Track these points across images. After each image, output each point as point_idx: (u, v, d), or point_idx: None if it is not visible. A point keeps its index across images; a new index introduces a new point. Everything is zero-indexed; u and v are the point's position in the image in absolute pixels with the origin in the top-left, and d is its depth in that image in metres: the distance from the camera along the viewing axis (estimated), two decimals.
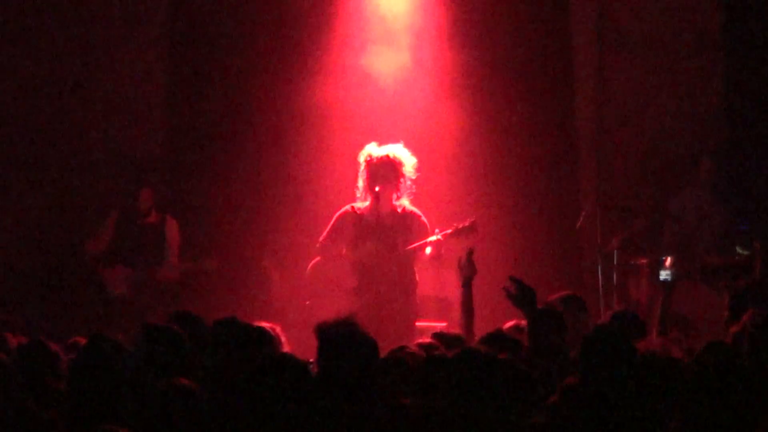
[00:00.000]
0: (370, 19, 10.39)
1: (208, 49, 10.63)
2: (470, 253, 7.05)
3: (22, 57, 10.41)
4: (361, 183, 8.69)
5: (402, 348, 5.57)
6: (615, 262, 9.69)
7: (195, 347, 5.74)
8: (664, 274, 7.39)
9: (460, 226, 8.46)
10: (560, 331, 5.66)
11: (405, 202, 8.65)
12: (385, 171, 8.58)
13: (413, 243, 8.50)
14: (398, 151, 8.65)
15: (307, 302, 8.75)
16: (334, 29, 10.38)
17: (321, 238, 8.77)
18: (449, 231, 8.46)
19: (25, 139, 10.44)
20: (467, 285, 6.90)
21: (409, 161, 8.63)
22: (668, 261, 8.11)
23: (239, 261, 10.40)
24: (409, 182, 8.64)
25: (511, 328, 6.30)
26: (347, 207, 8.77)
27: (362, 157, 8.68)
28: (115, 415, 4.80)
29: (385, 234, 8.57)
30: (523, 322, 5.97)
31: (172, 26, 10.70)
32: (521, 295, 5.57)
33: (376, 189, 8.53)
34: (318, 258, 8.80)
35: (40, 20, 10.42)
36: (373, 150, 8.67)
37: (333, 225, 8.74)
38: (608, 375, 4.73)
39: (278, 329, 6.23)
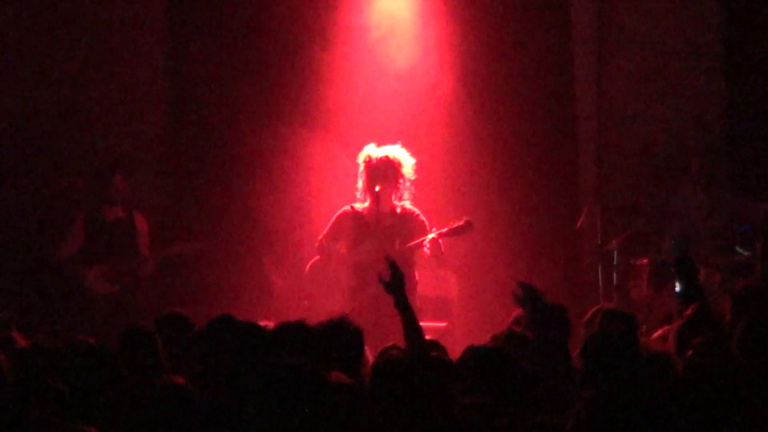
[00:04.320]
0: (370, 20, 10.38)
1: (208, 49, 10.62)
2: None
3: (23, 57, 10.40)
4: (360, 184, 8.72)
5: (392, 346, 5.57)
6: (615, 262, 9.69)
7: (181, 348, 5.77)
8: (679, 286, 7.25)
9: (456, 224, 8.49)
10: (562, 327, 5.66)
11: (405, 203, 8.67)
12: (385, 171, 8.61)
13: (411, 242, 8.52)
14: (397, 151, 8.67)
15: (306, 302, 8.75)
16: (335, 31, 10.38)
17: (320, 238, 8.78)
18: (445, 230, 8.49)
19: (24, 140, 10.42)
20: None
21: (408, 162, 8.65)
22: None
23: (238, 260, 10.40)
24: (408, 183, 8.66)
25: (514, 319, 6.32)
26: (346, 207, 8.79)
27: (361, 158, 8.71)
28: (108, 416, 4.81)
29: (384, 234, 8.58)
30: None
31: (173, 26, 10.69)
32: (526, 294, 5.58)
33: (376, 189, 8.55)
34: (317, 258, 8.81)
35: (40, 21, 10.41)
36: (372, 151, 8.70)
37: (332, 225, 8.75)
38: (612, 375, 4.74)
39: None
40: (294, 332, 5.42)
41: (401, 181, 8.64)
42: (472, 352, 4.93)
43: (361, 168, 8.69)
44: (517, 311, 6.46)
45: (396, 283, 5.80)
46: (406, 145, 8.76)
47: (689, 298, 5.86)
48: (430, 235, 8.46)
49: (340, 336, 5.45)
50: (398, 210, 8.66)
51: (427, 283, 9.13)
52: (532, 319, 5.60)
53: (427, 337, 6.34)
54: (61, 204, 10.26)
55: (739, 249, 9.60)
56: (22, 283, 10.07)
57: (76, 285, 9.49)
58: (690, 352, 5.12)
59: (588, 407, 4.53)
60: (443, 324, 9.28)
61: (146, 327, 5.82)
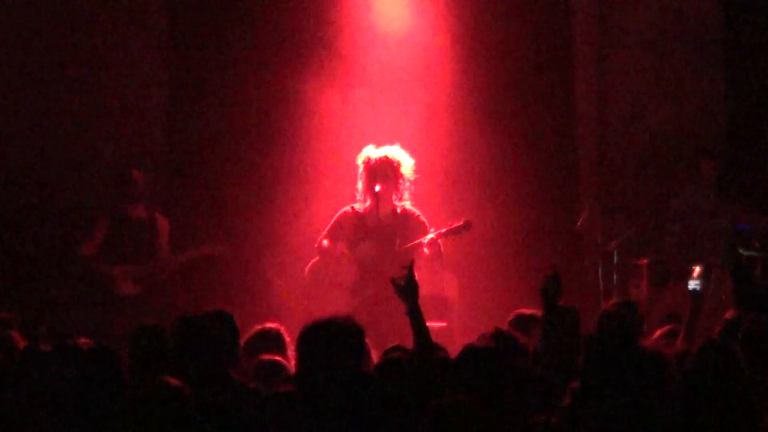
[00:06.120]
0: (370, 20, 10.38)
1: (209, 49, 10.62)
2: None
3: (23, 58, 10.39)
4: (360, 185, 8.74)
5: (396, 347, 5.57)
6: (615, 262, 9.69)
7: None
8: (693, 284, 7.27)
9: (455, 225, 8.52)
10: (573, 330, 5.66)
11: (405, 203, 8.68)
12: (384, 171, 8.64)
13: (411, 242, 8.53)
14: (396, 151, 8.70)
15: (306, 302, 8.76)
16: (335, 31, 10.37)
17: (320, 238, 8.79)
18: (444, 230, 8.51)
19: (25, 140, 10.41)
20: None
21: (406, 162, 8.68)
22: (696, 271, 7.99)
23: (238, 260, 10.39)
24: (407, 183, 8.68)
25: (525, 316, 6.30)
26: (347, 207, 8.81)
27: (360, 159, 8.74)
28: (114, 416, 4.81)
29: (384, 234, 8.61)
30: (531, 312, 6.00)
31: (173, 27, 10.68)
32: (551, 290, 5.57)
33: (377, 189, 8.56)
34: (317, 258, 8.82)
35: (40, 21, 10.40)
36: (371, 151, 8.73)
37: (332, 225, 8.77)
38: (610, 373, 4.73)
39: (283, 329, 6.25)
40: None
41: (401, 181, 8.67)
42: (469, 351, 4.92)
43: (361, 169, 8.73)
44: (516, 311, 6.46)
45: (410, 289, 5.74)
46: (405, 145, 8.79)
47: (746, 305, 5.82)
48: (429, 236, 8.47)
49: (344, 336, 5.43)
50: (398, 210, 8.69)
51: (427, 283, 9.12)
52: (545, 318, 5.60)
53: None
54: (64, 204, 10.27)
55: (739, 249, 9.59)
56: (23, 282, 10.08)
57: (102, 284, 9.46)
58: (695, 354, 5.11)
59: (574, 402, 4.53)
60: (443, 324, 9.27)
61: (158, 327, 5.81)
